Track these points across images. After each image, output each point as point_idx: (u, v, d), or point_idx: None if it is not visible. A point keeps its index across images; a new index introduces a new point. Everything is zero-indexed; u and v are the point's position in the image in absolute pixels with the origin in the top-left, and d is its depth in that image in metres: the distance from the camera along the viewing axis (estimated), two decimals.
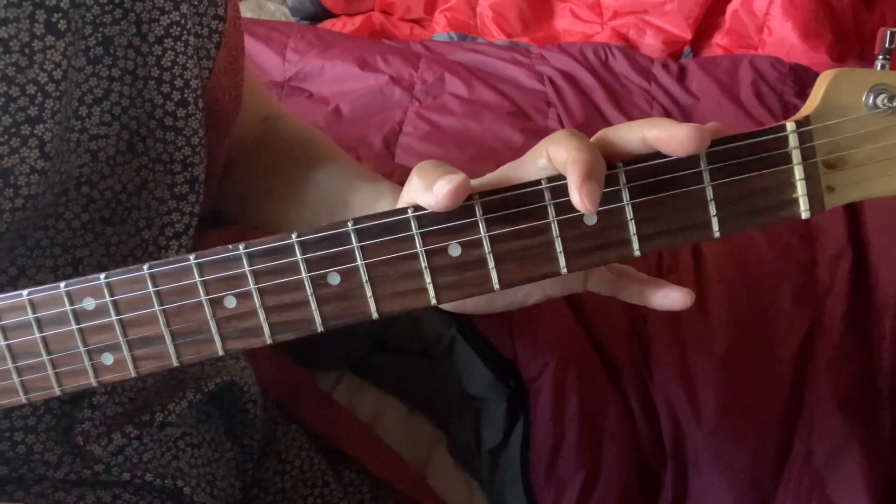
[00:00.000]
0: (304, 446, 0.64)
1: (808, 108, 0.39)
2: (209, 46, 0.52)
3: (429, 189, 0.37)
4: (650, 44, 1.26)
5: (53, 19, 0.45)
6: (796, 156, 0.38)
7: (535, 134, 0.97)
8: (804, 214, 0.39)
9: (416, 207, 0.38)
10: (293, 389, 0.70)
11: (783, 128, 0.38)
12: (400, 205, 0.41)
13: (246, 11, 1.47)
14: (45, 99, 0.45)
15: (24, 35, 0.44)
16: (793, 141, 0.38)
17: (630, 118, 1.02)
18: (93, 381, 0.40)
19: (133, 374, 0.40)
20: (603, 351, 0.75)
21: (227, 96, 0.56)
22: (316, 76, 1.16)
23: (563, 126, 1.00)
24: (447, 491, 0.72)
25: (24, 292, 0.39)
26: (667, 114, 1.03)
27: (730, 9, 1.25)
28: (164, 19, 0.49)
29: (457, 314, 0.75)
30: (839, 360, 0.73)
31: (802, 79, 1.07)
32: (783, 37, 1.19)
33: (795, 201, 0.39)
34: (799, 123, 0.38)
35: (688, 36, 1.25)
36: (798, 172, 0.38)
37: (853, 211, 0.84)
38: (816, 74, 1.08)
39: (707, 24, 1.27)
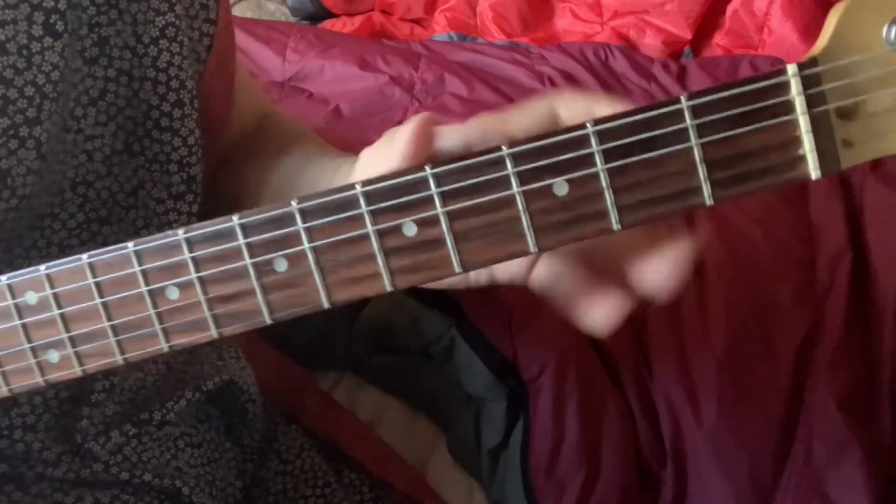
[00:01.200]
0: (305, 446, 0.64)
1: (816, 48, 0.33)
2: (199, 50, 0.53)
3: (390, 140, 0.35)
4: (650, 44, 1.26)
5: (51, 21, 0.45)
6: (800, 104, 0.32)
7: None
8: (814, 174, 0.33)
9: (365, 182, 0.34)
10: (293, 389, 0.70)
11: (783, 71, 0.32)
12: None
13: (246, 11, 1.47)
14: (42, 100, 0.45)
15: (22, 37, 0.44)
16: (795, 86, 0.32)
17: None
18: (39, 381, 0.38)
19: (79, 373, 0.38)
20: (603, 351, 0.75)
21: (218, 100, 0.56)
22: (316, 76, 1.16)
23: None
24: (447, 491, 0.72)
25: None
26: None
27: (730, 9, 1.25)
28: (159, 20, 0.49)
29: (456, 314, 0.75)
30: (839, 360, 0.73)
31: None
32: (783, 37, 1.19)
33: (802, 159, 0.33)
34: (802, 65, 0.32)
35: (688, 36, 1.25)
36: (804, 124, 0.32)
37: (853, 211, 0.84)
38: None
39: (707, 24, 1.27)
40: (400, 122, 1.02)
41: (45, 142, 0.45)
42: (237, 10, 1.45)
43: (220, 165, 0.61)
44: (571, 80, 1.10)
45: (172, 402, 0.55)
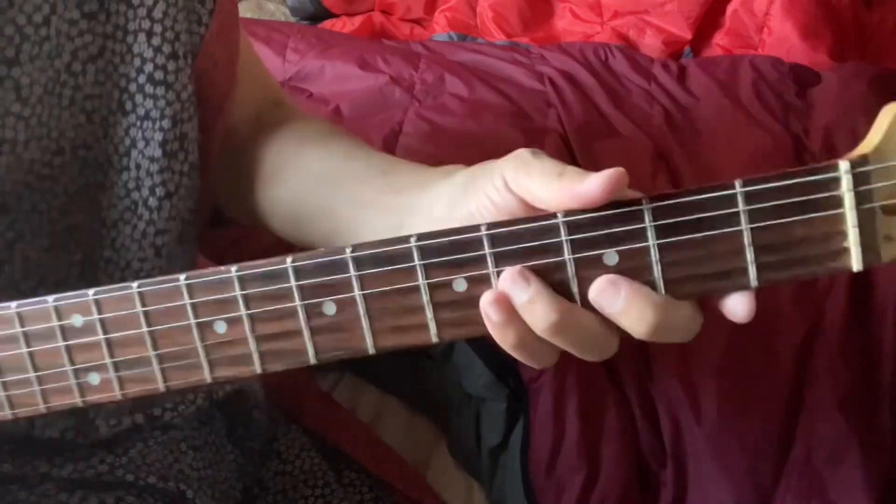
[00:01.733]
0: (305, 446, 0.64)
1: (866, 144, 0.34)
2: (201, 11, 0.52)
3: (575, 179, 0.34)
4: (650, 44, 1.26)
5: None
6: (849, 200, 0.33)
7: (535, 134, 0.97)
8: (856, 266, 0.34)
9: (420, 237, 0.35)
10: (294, 390, 0.70)
11: (835, 167, 0.33)
12: (474, 217, 0.38)
13: (246, 11, 1.47)
14: (22, 42, 0.44)
15: None
16: (846, 183, 0.33)
17: (630, 118, 1.01)
18: (78, 401, 0.39)
19: (119, 396, 0.39)
20: None
21: (220, 69, 0.54)
22: (316, 76, 1.16)
23: (563, 126, 0.99)
24: (447, 491, 0.72)
25: (13, 304, 0.38)
26: (667, 114, 1.03)
27: (730, 9, 1.25)
28: None
29: None
30: (839, 361, 0.73)
31: (803, 79, 1.07)
32: (783, 37, 1.19)
33: (846, 251, 0.34)
34: (854, 163, 0.33)
35: (688, 36, 1.25)
36: (850, 219, 0.34)
37: None
38: (817, 74, 1.08)
39: (707, 24, 1.27)
40: (400, 123, 1.03)
41: (25, 85, 0.45)
42: None
43: (233, 153, 0.59)
44: (571, 80, 1.10)
45: (184, 406, 0.55)
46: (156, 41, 0.49)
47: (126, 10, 0.48)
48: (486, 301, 0.35)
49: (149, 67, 0.49)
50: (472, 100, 1.06)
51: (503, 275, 0.35)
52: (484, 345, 0.73)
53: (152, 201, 0.51)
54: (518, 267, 0.35)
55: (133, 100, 0.50)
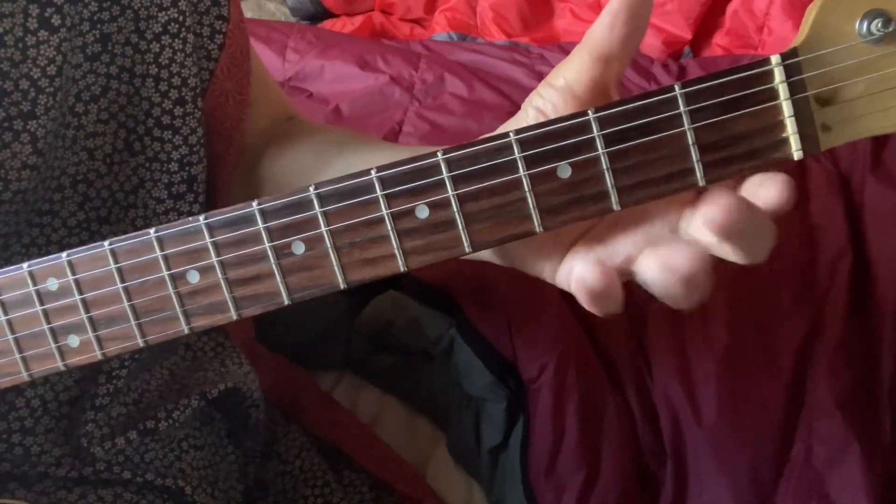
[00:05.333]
0: (305, 446, 0.64)
1: (796, 39, 0.36)
2: (211, 47, 0.52)
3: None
4: (650, 44, 1.26)
5: (47, 14, 0.45)
6: (783, 91, 0.35)
7: None
8: (796, 155, 0.36)
9: (380, 168, 0.36)
10: (293, 390, 0.70)
11: (767, 61, 0.35)
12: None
13: (246, 11, 1.47)
14: (38, 94, 0.45)
15: (18, 30, 0.44)
16: (779, 75, 0.35)
17: None
18: (60, 365, 0.39)
19: (99, 356, 0.39)
20: (603, 351, 0.75)
21: (232, 101, 0.55)
22: (316, 76, 1.16)
23: None
24: (447, 491, 0.72)
25: None
26: None
27: (730, 9, 1.25)
28: (161, 16, 0.49)
29: (456, 314, 0.75)
30: (839, 361, 0.73)
31: None
32: (783, 37, 1.19)
33: (785, 141, 0.36)
34: (785, 56, 0.35)
35: (688, 36, 1.25)
36: (787, 109, 0.35)
37: (853, 211, 0.84)
38: None
39: (707, 24, 1.27)
40: (400, 123, 1.03)
41: (41, 137, 0.45)
42: None
43: (246, 169, 0.59)
44: None
45: (178, 412, 0.55)
46: (163, 87, 0.49)
47: (132, 53, 0.49)
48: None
49: (156, 112, 0.50)
50: (472, 100, 1.06)
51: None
52: (484, 345, 0.73)
53: None
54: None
55: (141, 141, 0.50)
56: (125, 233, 0.51)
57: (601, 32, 0.37)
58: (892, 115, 0.36)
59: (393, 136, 1.00)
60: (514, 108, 1.04)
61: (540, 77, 1.12)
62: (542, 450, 0.69)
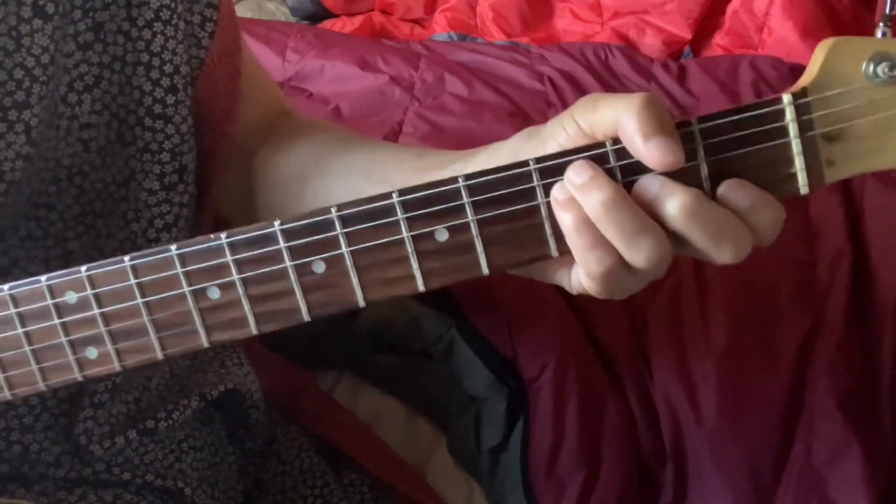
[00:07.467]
0: (304, 447, 0.64)
1: (805, 78, 0.37)
2: (201, 35, 0.51)
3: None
4: (650, 44, 1.26)
5: (40, 2, 0.45)
6: (793, 129, 0.37)
7: None
8: (803, 190, 0.37)
9: (401, 192, 0.37)
10: (293, 390, 0.70)
11: (779, 100, 0.37)
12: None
13: (246, 11, 1.47)
14: (32, 84, 0.45)
15: (12, 18, 0.44)
16: (790, 114, 0.37)
17: None
18: (77, 376, 0.40)
19: (118, 368, 0.39)
20: (603, 351, 0.75)
21: (222, 90, 0.54)
22: (316, 76, 1.16)
23: None
24: (447, 491, 0.72)
25: (6, 287, 0.39)
26: None
27: (730, 9, 1.25)
28: (153, 2, 0.48)
29: (456, 314, 0.75)
30: (839, 361, 0.73)
31: None
32: (783, 37, 1.19)
33: (793, 176, 0.37)
34: (796, 95, 0.37)
35: (688, 36, 1.25)
36: (796, 146, 0.37)
37: (853, 211, 0.84)
38: None
39: (707, 24, 1.27)
40: (400, 123, 1.03)
41: (34, 126, 0.45)
42: (237, 11, 1.45)
43: (241, 165, 0.58)
44: (571, 81, 1.10)
45: (178, 412, 0.55)
46: (154, 74, 0.49)
47: (124, 41, 0.48)
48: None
49: (148, 100, 0.49)
50: (471, 100, 1.06)
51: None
52: (484, 345, 0.73)
53: (151, 232, 0.51)
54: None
55: (132, 132, 0.49)
56: (117, 227, 0.50)
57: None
58: (892, 153, 0.37)
59: (393, 136, 1.00)
60: (514, 108, 1.04)
61: (540, 77, 1.12)
62: (543, 450, 0.69)
